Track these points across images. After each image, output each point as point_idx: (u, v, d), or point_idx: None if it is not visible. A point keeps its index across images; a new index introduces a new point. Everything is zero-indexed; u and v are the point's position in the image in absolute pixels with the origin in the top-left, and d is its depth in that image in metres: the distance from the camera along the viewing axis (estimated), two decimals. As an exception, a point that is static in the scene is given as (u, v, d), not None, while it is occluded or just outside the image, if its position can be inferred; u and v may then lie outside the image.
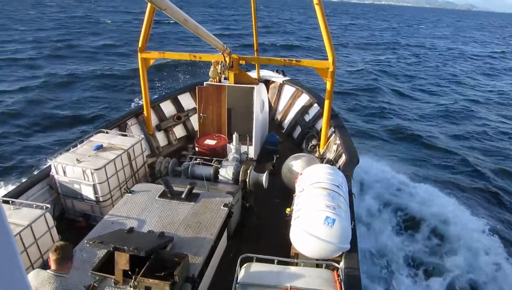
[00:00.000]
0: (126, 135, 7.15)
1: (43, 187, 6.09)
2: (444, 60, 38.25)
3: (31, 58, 25.23)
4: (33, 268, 4.33)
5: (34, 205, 4.93)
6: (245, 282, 3.77)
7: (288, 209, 5.29)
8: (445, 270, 7.91)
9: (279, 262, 4.07)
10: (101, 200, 5.98)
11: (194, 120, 9.59)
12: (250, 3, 9.01)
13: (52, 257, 3.06)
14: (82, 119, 15.47)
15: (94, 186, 5.87)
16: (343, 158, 6.93)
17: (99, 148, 6.27)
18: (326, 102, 7.57)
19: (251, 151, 8.30)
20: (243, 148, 7.35)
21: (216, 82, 8.23)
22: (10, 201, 4.89)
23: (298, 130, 9.84)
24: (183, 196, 5.35)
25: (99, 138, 6.69)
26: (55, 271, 3.05)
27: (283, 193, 7.01)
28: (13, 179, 10.34)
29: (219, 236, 4.91)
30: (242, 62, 8.01)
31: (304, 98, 10.11)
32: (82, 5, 75.42)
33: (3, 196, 5.23)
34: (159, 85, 19.34)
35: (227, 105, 8.08)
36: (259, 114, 8.53)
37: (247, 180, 6.25)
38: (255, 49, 9.70)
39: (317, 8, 6.67)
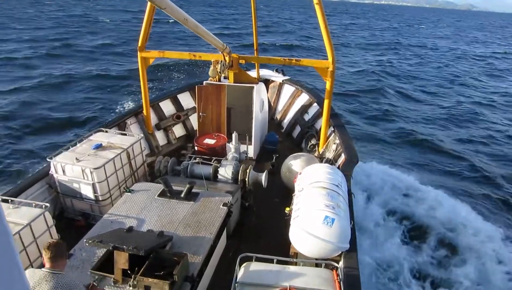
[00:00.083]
0: (125, 134, 7.14)
1: (43, 186, 6.08)
2: (446, 60, 38.01)
3: (27, 58, 24.94)
4: (33, 267, 4.32)
5: (34, 204, 4.91)
6: (244, 282, 3.77)
7: (287, 209, 5.30)
8: (453, 282, 7.59)
9: (279, 262, 4.07)
10: (100, 199, 5.98)
11: (193, 119, 9.57)
12: (250, 2, 9.01)
13: (45, 255, 3.04)
14: (76, 121, 15.10)
15: (93, 185, 5.87)
16: (343, 157, 6.92)
17: (99, 147, 6.26)
18: (326, 102, 7.57)
19: (251, 151, 8.30)
20: (243, 147, 7.36)
21: (216, 81, 8.23)
22: (9, 200, 4.87)
23: (298, 129, 9.84)
24: (182, 195, 5.35)
25: (99, 137, 6.68)
26: (50, 269, 3.03)
27: (283, 192, 7.01)
28: (6, 182, 10.11)
29: (218, 236, 4.91)
30: (242, 61, 8.00)
31: (304, 98, 10.10)
32: (81, 4, 75.24)
33: (2, 195, 5.21)
34: (159, 85, 19.21)
35: (226, 105, 8.08)
36: (259, 114, 8.52)
37: (246, 179, 6.25)
38: (255, 48, 9.70)
39: (317, 7, 6.67)
